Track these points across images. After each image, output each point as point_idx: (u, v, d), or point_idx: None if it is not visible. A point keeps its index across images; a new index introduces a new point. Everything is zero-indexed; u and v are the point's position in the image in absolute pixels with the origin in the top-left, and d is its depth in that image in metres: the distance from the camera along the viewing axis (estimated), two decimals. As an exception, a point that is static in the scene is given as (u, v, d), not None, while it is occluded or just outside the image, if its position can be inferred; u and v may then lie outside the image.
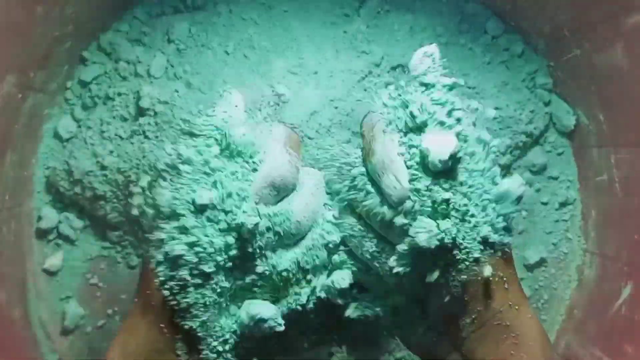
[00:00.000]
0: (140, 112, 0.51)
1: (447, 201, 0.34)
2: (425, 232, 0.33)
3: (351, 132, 0.49)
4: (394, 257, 0.34)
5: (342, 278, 0.37)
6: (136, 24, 0.54)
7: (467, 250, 0.34)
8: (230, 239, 0.35)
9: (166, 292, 0.34)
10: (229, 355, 0.36)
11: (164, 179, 0.36)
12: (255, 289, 0.37)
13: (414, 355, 0.41)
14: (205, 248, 0.34)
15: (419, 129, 0.35)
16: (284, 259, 0.37)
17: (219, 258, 0.34)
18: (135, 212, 0.50)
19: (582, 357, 0.52)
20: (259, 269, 0.36)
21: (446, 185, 0.34)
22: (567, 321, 0.56)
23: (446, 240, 0.33)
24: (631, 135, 0.49)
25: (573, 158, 0.58)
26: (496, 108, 0.55)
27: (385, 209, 0.35)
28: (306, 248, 0.38)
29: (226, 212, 0.34)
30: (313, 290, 0.38)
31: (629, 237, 0.50)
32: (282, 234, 0.36)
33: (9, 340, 0.46)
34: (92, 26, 0.53)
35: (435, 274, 0.34)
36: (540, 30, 0.54)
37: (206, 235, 0.34)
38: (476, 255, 0.34)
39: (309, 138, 0.48)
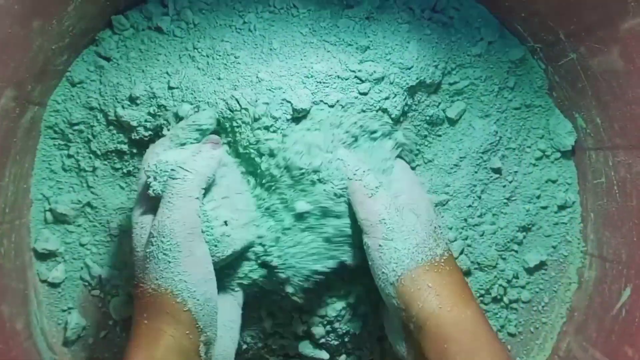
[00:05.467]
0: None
1: None
2: None
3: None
4: None
5: None
6: (132, 34, 0.54)
7: None
8: None
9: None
10: None
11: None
12: None
13: None
14: None
15: None
16: None
17: None
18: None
19: (583, 359, 0.52)
20: None
21: None
22: (568, 324, 0.56)
23: None
24: (628, 138, 0.49)
25: (572, 161, 0.58)
26: (489, 115, 0.56)
27: None
28: None
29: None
30: None
31: (628, 240, 0.50)
32: None
33: (11, 351, 0.47)
34: (88, 38, 0.53)
35: None
36: (536, 34, 0.54)
37: None
38: None
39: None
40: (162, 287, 0.39)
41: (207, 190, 0.43)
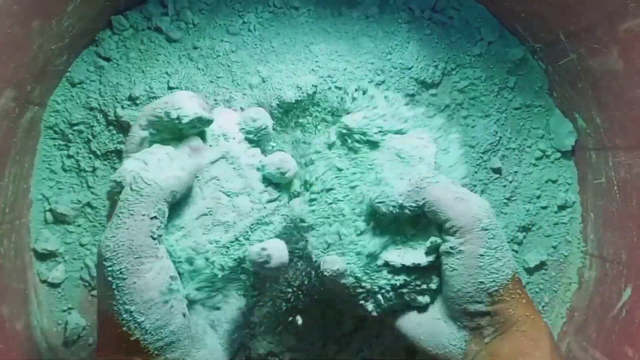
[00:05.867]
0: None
1: None
2: None
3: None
4: None
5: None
6: (132, 35, 0.54)
7: None
8: None
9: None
10: None
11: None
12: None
13: None
14: None
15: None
16: None
17: None
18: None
19: (583, 359, 0.52)
20: None
21: None
22: (568, 324, 0.56)
23: None
24: (628, 138, 0.49)
25: (572, 161, 0.58)
26: (489, 115, 0.56)
27: None
28: None
29: None
30: None
31: (628, 240, 0.50)
32: None
33: (11, 351, 0.47)
34: (88, 38, 0.53)
35: None
36: (536, 34, 0.54)
37: None
38: None
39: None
40: (108, 312, 0.36)
41: (172, 209, 0.38)
